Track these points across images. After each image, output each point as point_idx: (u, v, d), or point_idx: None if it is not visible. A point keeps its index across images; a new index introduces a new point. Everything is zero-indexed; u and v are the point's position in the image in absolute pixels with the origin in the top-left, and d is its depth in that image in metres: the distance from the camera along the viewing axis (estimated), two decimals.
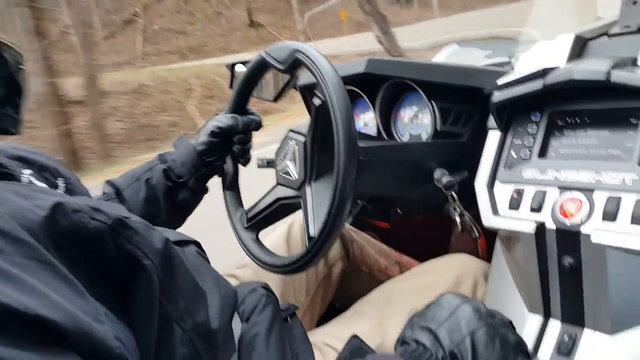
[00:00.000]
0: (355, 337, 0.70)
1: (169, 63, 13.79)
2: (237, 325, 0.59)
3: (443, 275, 0.83)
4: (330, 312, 1.01)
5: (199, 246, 0.60)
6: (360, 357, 0.63)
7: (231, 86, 1.06)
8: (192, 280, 0.48)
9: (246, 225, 0.82)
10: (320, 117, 0.71)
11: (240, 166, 0.87)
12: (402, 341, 0.54)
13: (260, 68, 0.81)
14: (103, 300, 0.35)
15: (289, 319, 0.68)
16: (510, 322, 0.53)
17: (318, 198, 0.73)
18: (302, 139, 0.76)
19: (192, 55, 15.42)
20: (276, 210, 0.80)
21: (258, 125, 0.86)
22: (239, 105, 0.86)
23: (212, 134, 0.81)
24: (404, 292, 0.81)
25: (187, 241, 0.57)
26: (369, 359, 0.57)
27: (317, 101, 0.70)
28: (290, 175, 0.77)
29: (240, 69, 1.04)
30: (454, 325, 0.51)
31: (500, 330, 0.51)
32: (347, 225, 1.08)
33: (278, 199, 0.79)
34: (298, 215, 1.00)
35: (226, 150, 0.84)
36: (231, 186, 0.86)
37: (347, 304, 0.86)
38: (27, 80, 0.55)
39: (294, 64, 0.72)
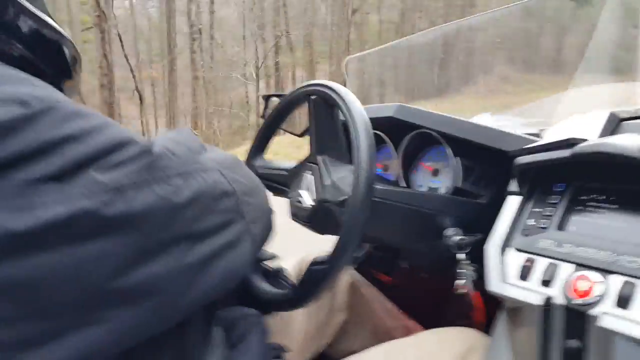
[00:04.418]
0: None
1: None
2: (217, 348, 0.56)
3: (449, 348, 0.78)
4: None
5: None
6: None
7: (263, 116, 1.09)
8: None
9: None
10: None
11: None
12: None
13: (294, 102, 0.83)
14: None
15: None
16: None
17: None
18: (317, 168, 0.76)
19: None
20: None
21: None
22: (269, 131, 0.89)
23: None
24: (406, 357, 0.76)
25: None
26: None
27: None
28: (302, 203, 0.76)
29: (274, 101, 1.07)
30: None
31: None
32: (358, 277, 1.05)
33: None
34: (310, 250, 0.98)
35: None
36: None
37: (338, 358, 0.81)
38: (79, 73, 0.58)
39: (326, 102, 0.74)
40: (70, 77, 0.55)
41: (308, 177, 0.78)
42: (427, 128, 0.86)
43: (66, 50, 0.53)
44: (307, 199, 0.75)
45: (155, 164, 0.38)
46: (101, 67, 10.75)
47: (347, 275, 1.01)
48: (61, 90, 0.45)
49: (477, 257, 0.77)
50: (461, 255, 0.78)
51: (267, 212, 0.55)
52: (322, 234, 0.78)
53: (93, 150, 0.35)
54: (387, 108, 0.90)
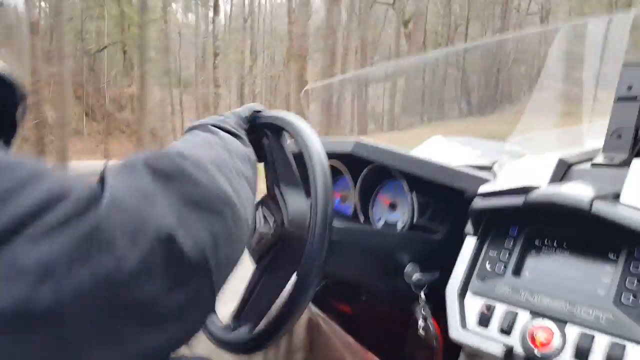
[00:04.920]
0: None
1: None
2: None
3: None
4: None
5: None
6: None
7: None
8: None
9: None
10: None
11: None
12: None
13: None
14: None
15: None
16: None
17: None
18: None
19: None
20: None
21: None
22: None
23: None
24: None
25: None
26: None
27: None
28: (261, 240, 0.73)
29: None
30: None
31: None
32: (317, 313, 1.03)
33: None
34: None
35: None
36: None
37: None
38: (23, 118, 0.53)
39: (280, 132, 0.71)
40: (14, 127, 0.52)
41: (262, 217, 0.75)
42: (384, 165, 0.86)
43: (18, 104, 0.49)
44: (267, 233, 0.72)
45: (96, 225, 0.32)
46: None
47: (305, 311, 1.00)
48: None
49: (434, 295, 0.77)
50: (421, 294, 0.78)
51: (235, 255, 0.47)
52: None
53: (14, 218, 0.28)
54: (345, 144, 0.89)
